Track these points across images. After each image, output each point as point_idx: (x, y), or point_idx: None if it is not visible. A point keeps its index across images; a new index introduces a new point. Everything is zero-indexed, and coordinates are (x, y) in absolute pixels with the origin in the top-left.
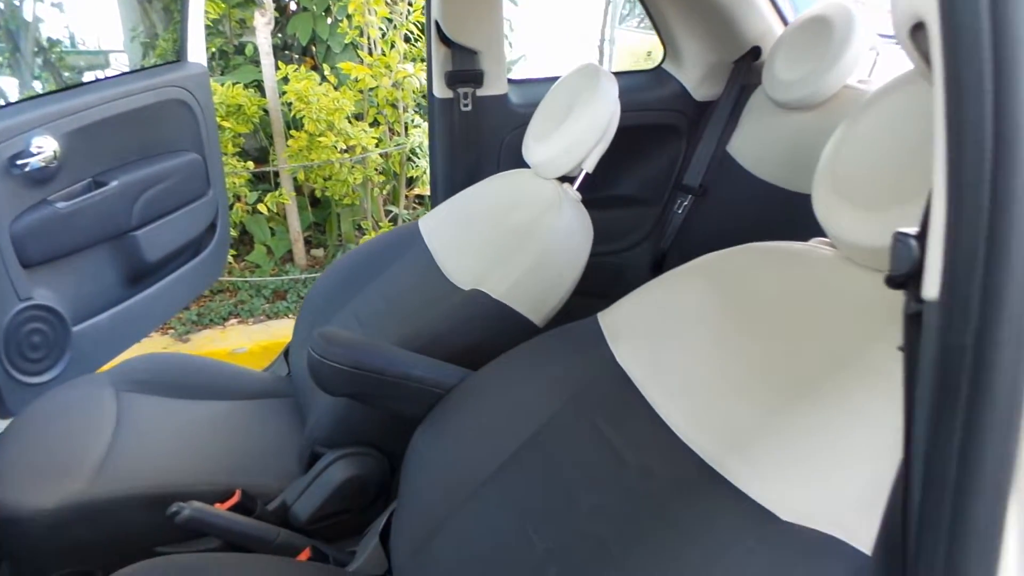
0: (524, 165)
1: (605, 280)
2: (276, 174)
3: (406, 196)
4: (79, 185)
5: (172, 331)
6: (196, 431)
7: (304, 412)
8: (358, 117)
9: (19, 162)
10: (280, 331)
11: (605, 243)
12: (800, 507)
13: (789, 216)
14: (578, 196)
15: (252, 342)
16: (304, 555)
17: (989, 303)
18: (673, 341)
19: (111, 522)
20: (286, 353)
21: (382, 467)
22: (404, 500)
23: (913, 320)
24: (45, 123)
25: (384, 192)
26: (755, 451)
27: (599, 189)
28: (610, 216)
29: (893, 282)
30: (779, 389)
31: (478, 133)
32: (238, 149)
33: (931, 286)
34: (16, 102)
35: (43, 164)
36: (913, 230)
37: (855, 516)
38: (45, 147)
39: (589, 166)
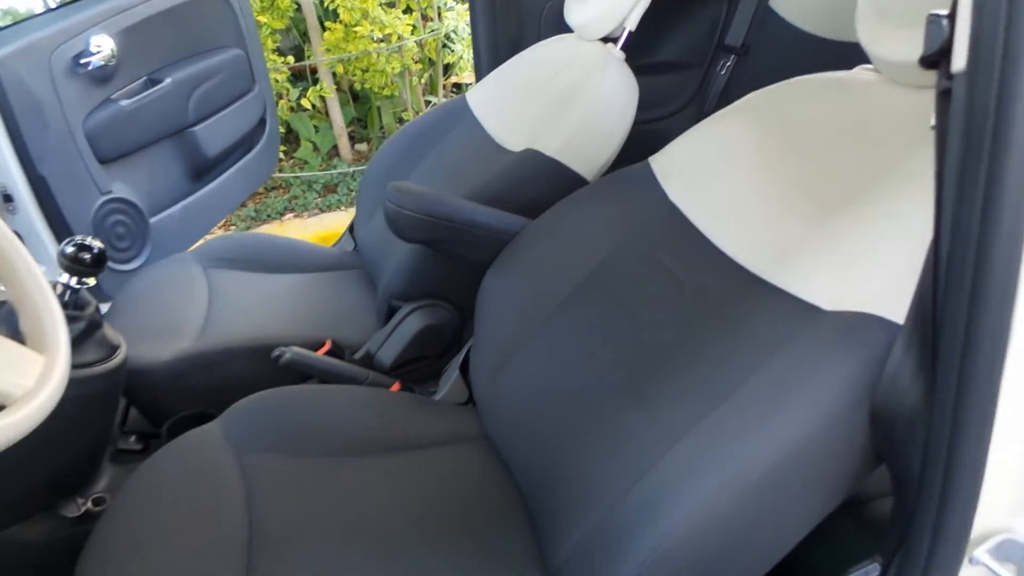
0: (565, 32)
1: (649, 149)
2: (314, 70)
3: (443, 85)
4: (136, 83)
5: (233, 228)
6: (281, 297)
7: (374, 278)
8: (391, 5)
9: (82, 61)
10: (334, 223)
11: (648, 110)
12: (841, 296)
13: (838, 68)
14: (622, 55)
15: (310, 234)
16: (395, 387)
17: (1009, 67)
18: (721, 173)
19: (220, 369)
20: (351, 229)
21: (453, 317)
22: (479, 335)
23: (944, 96)
24: (99, 22)
25: (422, 81)
26: (800, 257)
27: (640, 57)
28: (652, 83)
29: (926, 62)
30: (822, 202)
31: (518, 2)
32: (276, 46)
33: (959, 59)
34: (68, 2)
35: (103, 63)
36: (944, 11)
37: (890, 295)
38: (103, 46)
39: (632, 23)
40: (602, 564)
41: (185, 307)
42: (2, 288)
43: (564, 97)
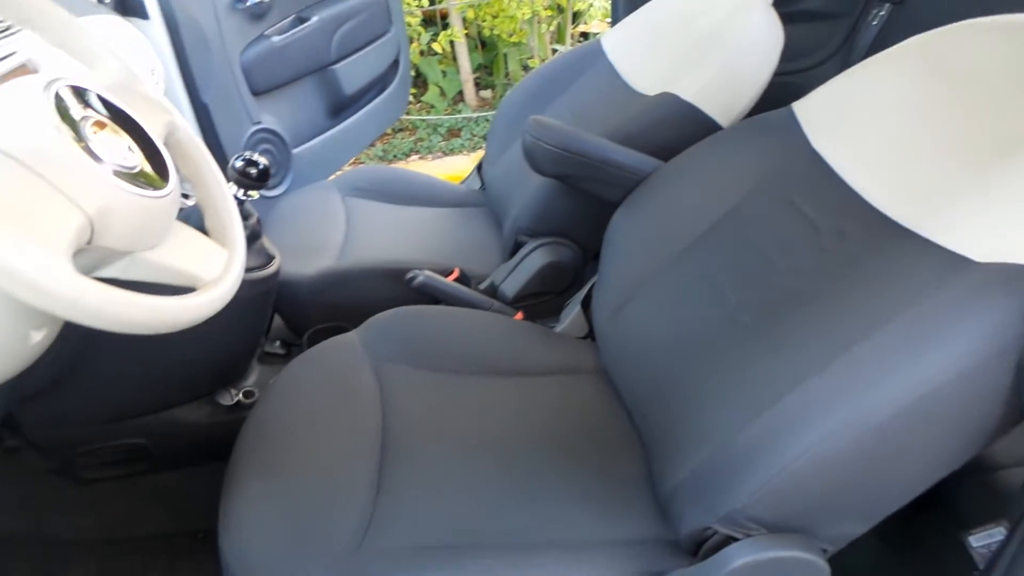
0: None
1: (785, 102)
2: (445, 15)
3: (571, 34)
4: (286, 21)
5: (362, 166)
6: (413, 226)
7: (500, 216)
8: None
9: None
10: (457, 166)
11: (788, 61)
12: (994, 247)
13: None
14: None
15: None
16: (518, 316)
17: None
18: (871, 120)
19: (356, 287)
20: (479, 169)
21: (577, 256)
22: (604, 272)
23: None
24: None
25: (550, 28)
26: (952, 208)
27: (784, 4)
28: (795, 32)
29: None
30: (980, 152)
31: None
32: None
33: None
34: None
35: (259, 0)
36: None
37: None
38: None
39: None
40: (713, 493)
41: (326, 229)
42: (189, 199)
43: (704, 40)
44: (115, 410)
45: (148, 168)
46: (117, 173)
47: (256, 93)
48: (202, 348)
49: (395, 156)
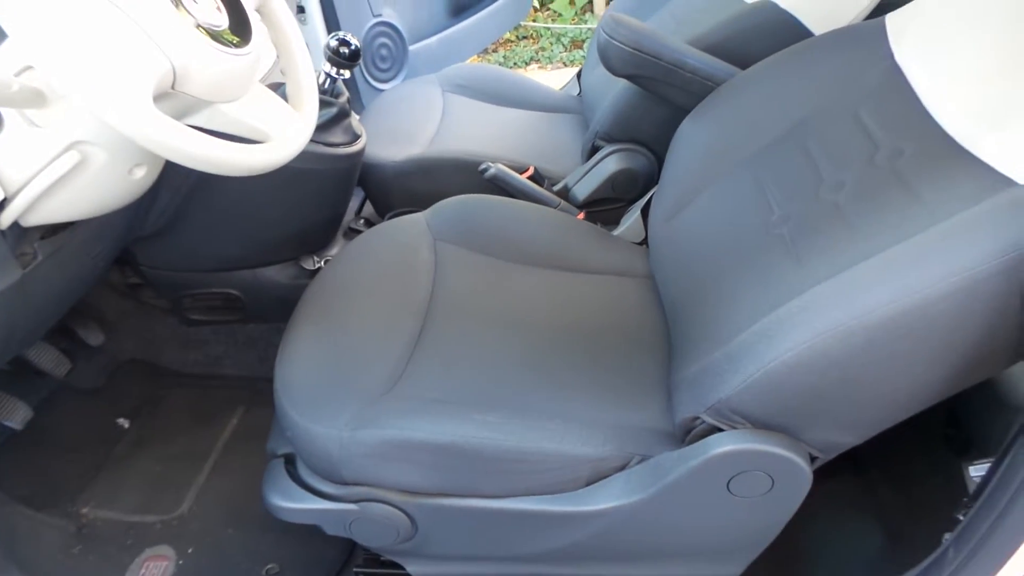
0: None
1: None
2: None
3: None
4: None
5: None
6: (501, 125)
7: (589, 121)
8: None
9: None
10: None
11: None
12: None
13: None
14: None
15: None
16: (580, 216)
17: None
18: (965, 32)
19: (437, 176)
20: (579, 75)
21: (651, 164)
22: (665, 178)
23: None
24: None
25: None
26: (1009, 129)
27: None
28: None
29: None
30: None
31: None
32: None
33: None
34: None
35: None
36: None
37: None
38: None
39: None
40: (706, 385)
41: (421, 121)
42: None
43: None
44: (215, 261)
45: (232, 28)
46: (202, 28)
47: None
48: (290, 214)
49: (515, 64)
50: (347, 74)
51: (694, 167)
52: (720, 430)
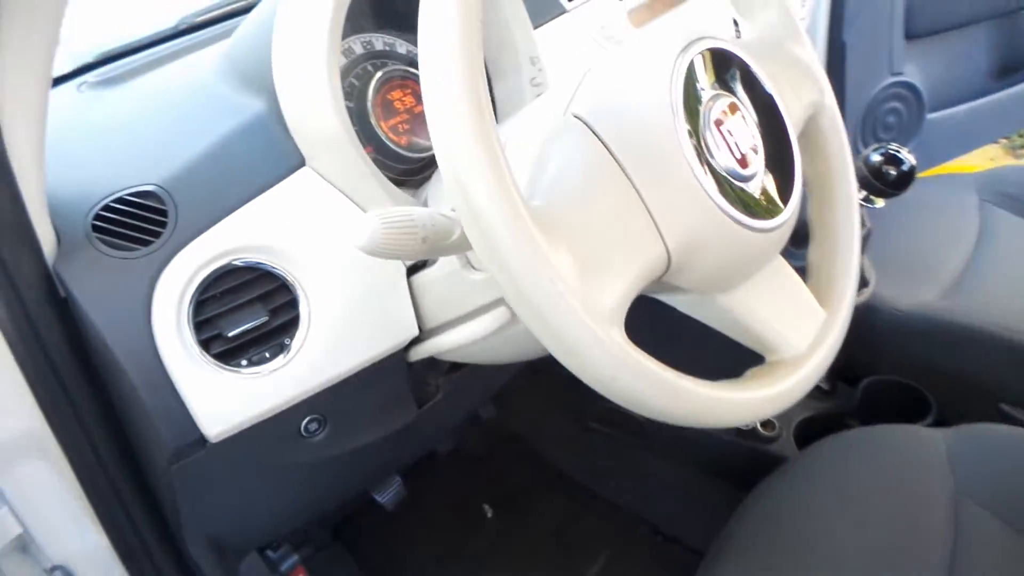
0: None
1: None
2: None
3: None
4: None
5: (1005, 141)
6: None
7: None
8: None
9: None
10: None
11: None
12: None
13: None
14: None
15: None
16: None
17: None
18: None
19: (954, 345)
20: None
21: None
22: None
23: None
24: None
25: None
26: None
27: None
28: None
29: None
30: None
31: None
32: None
33: None
34: None
35: None
36: None
37: None
38: None
39: None
40: None
41: (946, 245)
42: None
43: None
44: None
45: (767, 183)
46: (724, 190)
47: (910, 37)
48: None
49: None
50: (880, 203)
51: None
52: None
